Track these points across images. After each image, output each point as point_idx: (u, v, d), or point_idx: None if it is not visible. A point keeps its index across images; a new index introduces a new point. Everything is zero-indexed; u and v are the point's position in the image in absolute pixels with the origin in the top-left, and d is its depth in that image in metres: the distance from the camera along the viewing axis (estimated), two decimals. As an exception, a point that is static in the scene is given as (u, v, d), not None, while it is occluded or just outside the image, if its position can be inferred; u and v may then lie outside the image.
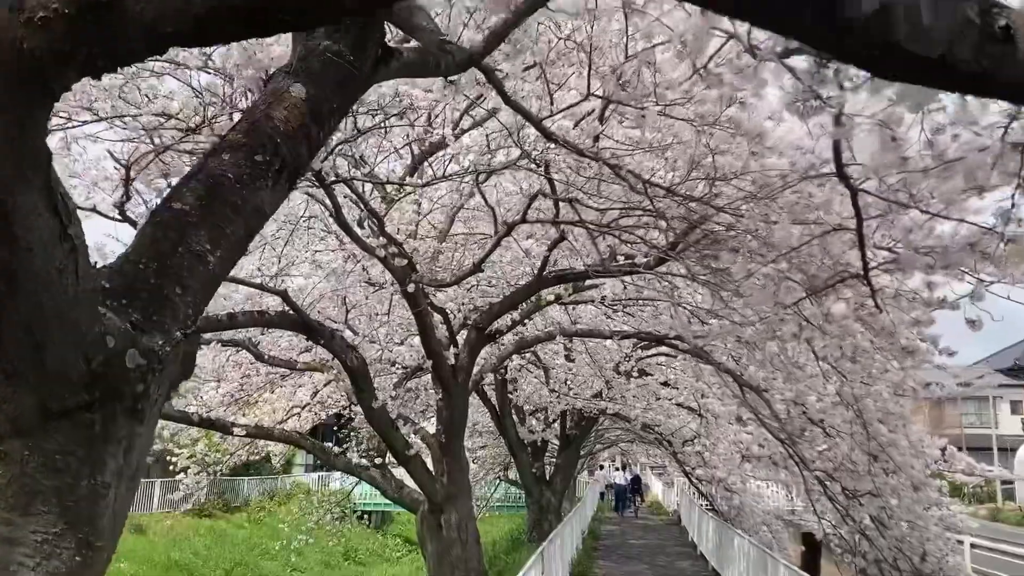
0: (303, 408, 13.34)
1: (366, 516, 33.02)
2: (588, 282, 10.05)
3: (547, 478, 20.21)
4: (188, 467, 13.50)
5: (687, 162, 5.10)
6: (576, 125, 5.43)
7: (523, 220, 6.77)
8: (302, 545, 21.69)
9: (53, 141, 7.48)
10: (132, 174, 5.90)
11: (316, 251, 10.10)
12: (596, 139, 4.77)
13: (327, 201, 7.58)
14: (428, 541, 9.97)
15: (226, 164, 2.03)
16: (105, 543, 1.78)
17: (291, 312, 7.89)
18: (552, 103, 4.95)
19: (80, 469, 1.72)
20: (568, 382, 16.91)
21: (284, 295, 7.64)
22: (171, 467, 13.62)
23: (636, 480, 38.18)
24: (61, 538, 1.69)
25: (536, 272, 8.95)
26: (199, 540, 23.97)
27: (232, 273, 8.67)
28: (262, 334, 10.69)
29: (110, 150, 5.67)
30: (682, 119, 4.40)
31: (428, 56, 2.59)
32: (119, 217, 6.38)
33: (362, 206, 7.71)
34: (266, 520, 28.05)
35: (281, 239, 10.17)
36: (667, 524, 32.29)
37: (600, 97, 4.45)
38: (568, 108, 4.59)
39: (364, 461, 10.26)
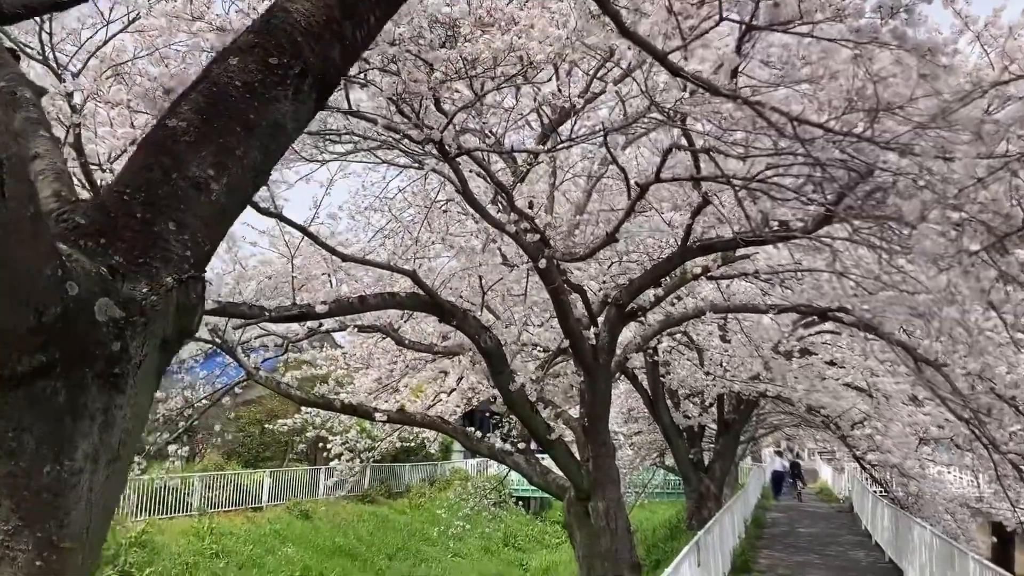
0: (449, 393, 13.19)
1: (524, 502, 33.08)
2: (739, 252, 9.30)
3: (705, 465, 19.36)
4: (341, 454, 13.65)
5: (843, 98, 4.38)
6: (716, 71, 4.81)
7: (657, 179, 6.16)
8: (459, 531, 21.82)
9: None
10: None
11: (451, 234, 9.84)
12: (734, 74, 4.15)
13: (453, 176, 7.27)
14: (576, 530, 9.53)
15: (233, 70, 1.62)
16: (78, 544, 1.40)
17: (422, 293, 7.62)
18: (683, 38, 4.36)
19: (40, 451, 1.36)
20: (724, 364, 16.04)
21: (413, 275, 7.37)
22: (325, 454, 13.80)
23: (795, 466, 37.89)
24: (15, 537, 1.32)
25: (679, 243, 8.31)
26: (362, 526, 24.51)
27: (367, 256, 8.52)
28: (403, 319, 10.54)
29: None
30: (835, 40, 3.71)
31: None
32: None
33: (488, 179, 7.33)
34: (426, 506, 28.45)
35: (417, 222, 10.00)
36: (838, 511, 30.60)
37: (736, 22, 3.84)
38: (696, 37, 3.99)
39: (507, 446, 9.93)
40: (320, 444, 13.79)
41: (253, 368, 9.39)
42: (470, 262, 7.97)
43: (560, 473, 9.70)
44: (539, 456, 10.76)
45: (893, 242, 6.25)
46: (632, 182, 6.17)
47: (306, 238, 7.51)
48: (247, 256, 8.88)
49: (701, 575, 9.79)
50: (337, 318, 9.94)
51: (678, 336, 14.92)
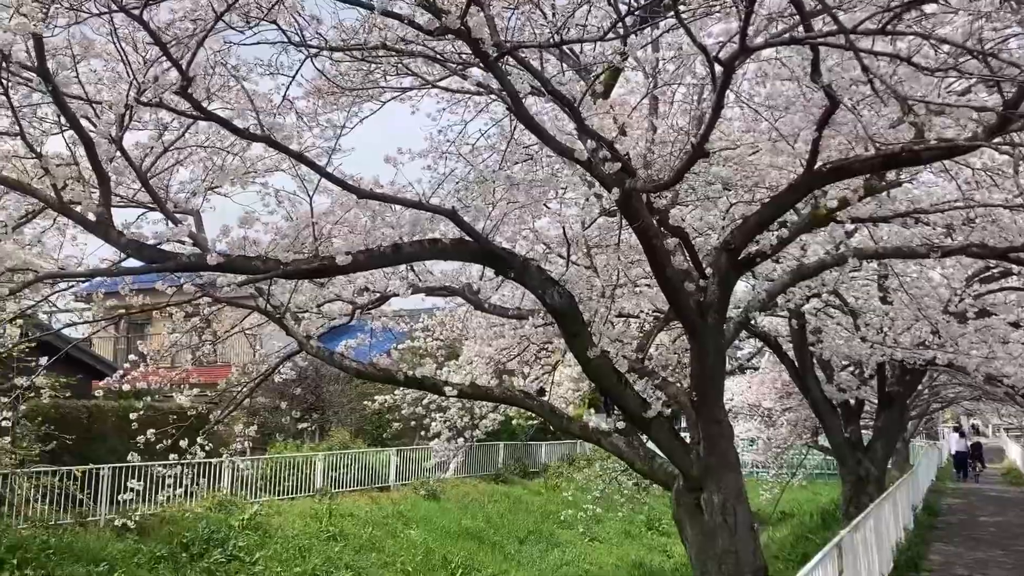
0: (554, 368, 11.73)
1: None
2: (889, 176, 7.31)
3: (865, 444, 17.00)
4: (440, 432, 12.47)
5: None
6: None
7: (743, 48, 4.37)
8: (590, 515, 20.41)
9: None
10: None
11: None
12: None
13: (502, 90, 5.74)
14: (686, 526, 7.86)
15: None
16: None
17: (469, 239, 6.16)
18: None
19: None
20: (884, 328, 13.76)
21: (453, 215, 5.92)
22: (423, 432, 12.67)
23: (976, 447, 36.60)
24: None
25: (804, 164, 6.44)
26: (493, 507, 23.41)
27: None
28: (482, 279, 9.13)
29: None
30: None
31: None
32: (198, 112, 4.98)
33: (544, 89, 5.75)
34: (563, 486, 27.14)
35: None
36: (1030, 496, 27.13)
37: None
38: None
39: (604, 425, 8.34)
40: (414, 423, 12.63)
41: (304, 337, 8.25)
42: (529, 197, 6.42)
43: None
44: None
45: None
46: (711, 58, 4.44)
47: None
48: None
49: (846, 583, 7.91)
50: (408, 281, 8.69)
51: (823, 294, 12.80)
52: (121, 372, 9.50)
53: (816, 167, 6.41)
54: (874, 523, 10.57)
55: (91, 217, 5.88)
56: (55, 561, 12.60)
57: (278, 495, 18.81)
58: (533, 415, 14.02)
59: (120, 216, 6.30)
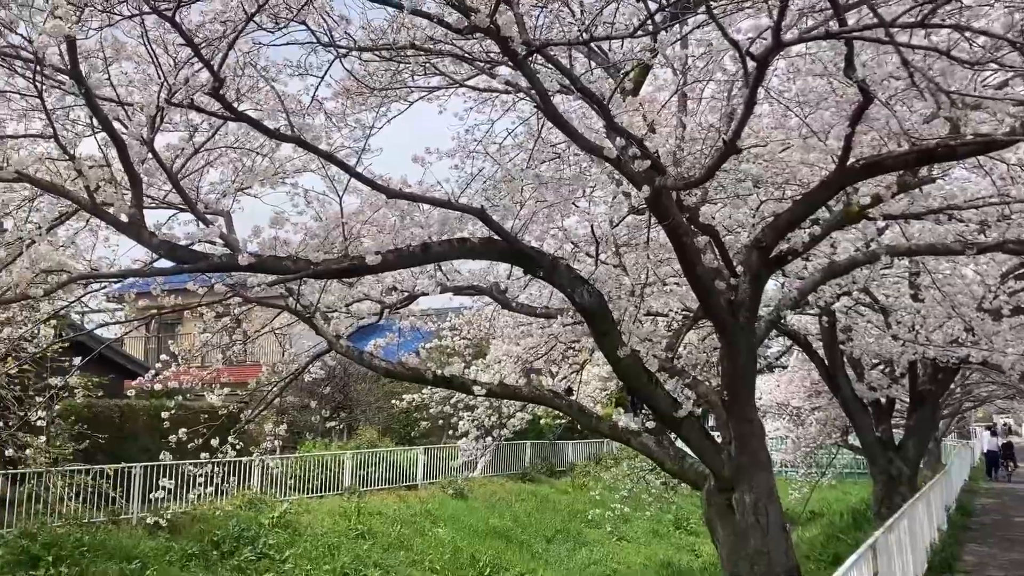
0: (581, 368, 11.68)
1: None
2: (922, 172, 7.20)
3: (896, 443, 16.80)
4: (468, 431, 12.47)
5: None
6: None
7: (778, 43, 4.32)
8: (617, 513, 20.36)
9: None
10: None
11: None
12: None
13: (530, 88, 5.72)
14: (718, 527, 7.79)
15: None
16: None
17: (498, 238, 6.14)
18: None
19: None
20: (916, 326, 13.56)
21: (482, 213, 5.90)
22: (451, 431, 12.69)
23: (1007, 446, 37.07)
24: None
25: (837, 161, 6.36)
26: (520, 505, 23.41)
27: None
28: (509, 278, 9.11)
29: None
30: None
31: None
32: (228, 113, 5.00)
33: (573, 86, 5.72)
34: (590, 485, 27.09)
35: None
36: (1067, 497, 26.67)
37: None
38: None
39: (633, 424, 8.30)
40: (441, 422, 12.65)
41: (334, 337, 8.28)
42: (558, 196, 6.40)
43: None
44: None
45: None
46: (744, 53, 4.38)
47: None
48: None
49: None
50: (437, 280, 8.69)
51: (854, 292, 12.65)
52: (153, 372, 9.59)
53: (849, 163, 6.33)
54: (908, 523, 10.44)
55: (123, 218, 5.92)
56: (89, 558, 12.76)
57: (307, 493, 18.94)
58: (561, 414, 14.02)
59: (152, 217, 6.36)
